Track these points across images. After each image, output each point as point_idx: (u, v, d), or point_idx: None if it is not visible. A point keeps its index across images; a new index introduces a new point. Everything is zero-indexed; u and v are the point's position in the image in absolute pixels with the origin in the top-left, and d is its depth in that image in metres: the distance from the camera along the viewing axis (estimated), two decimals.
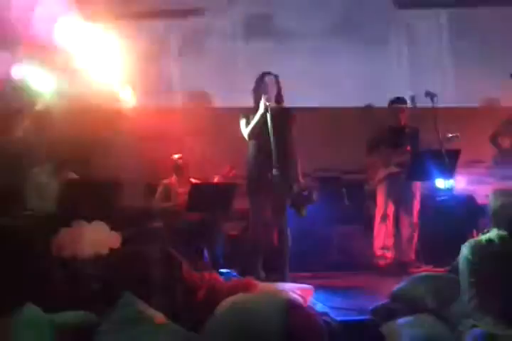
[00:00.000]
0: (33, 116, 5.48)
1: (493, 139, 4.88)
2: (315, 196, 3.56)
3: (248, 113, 3.68)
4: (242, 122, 3.69)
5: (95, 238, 3.08)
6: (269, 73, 3.71)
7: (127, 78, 5.57)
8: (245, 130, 3.65)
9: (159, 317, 2.52)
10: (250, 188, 3.65)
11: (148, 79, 5.66)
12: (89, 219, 3.18)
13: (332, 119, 5.35)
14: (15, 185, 4.04)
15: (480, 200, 4.73)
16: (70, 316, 2.52)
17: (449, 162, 4.04)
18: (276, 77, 3.69)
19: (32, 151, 4.94)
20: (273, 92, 3.62)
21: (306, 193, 3.55)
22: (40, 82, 5.13)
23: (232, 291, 2.80)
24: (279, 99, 3.67)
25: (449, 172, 4.12)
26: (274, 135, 3.37)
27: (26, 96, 5.20)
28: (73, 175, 4.17)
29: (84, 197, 3.28)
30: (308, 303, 2.94)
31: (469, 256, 2.37)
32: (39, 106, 5.45)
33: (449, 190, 4.36)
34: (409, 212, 4.40)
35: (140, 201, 5.04)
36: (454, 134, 4.27)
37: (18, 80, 4.99)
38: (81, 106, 5.18)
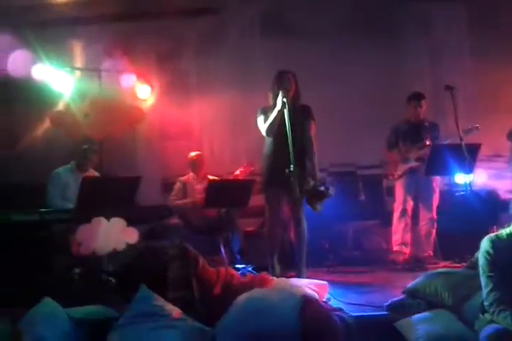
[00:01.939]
0: (55, 117, 5.59)
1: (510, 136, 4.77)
2: (331, 191, 3.55)
3: (266, 110, 3.69)
4: (260, 119, 3.70)
5: (113, 234, 3.12)
6: (286, 71, 3.71)
7: (145, 76, 5.64)
8: (263, 126, 3.66)
9: (176, 311, 2.56)
10: (267, 184, 3.66)
11: (165, 77, 5.73)
12: (108, 215, 3.22)
13: (349, 114, 5.31)
14: (39, 184, 4.12)
15: (501, 195, 4.66)
16: (88, 310, 2.58)
17: (468, 156, 3.98)
18: (293, 74, 3.69)
19: (55, 151, 5.05)
20: (290, 89, 3.62)
21: (322, 188, 3.54)
22: (60, 82, 5.20)
23: (248, 287, 2.82)
24: (296, 96, 3.67)
25: (468, 166, 4.05)
26: (291, 131, 3.38)
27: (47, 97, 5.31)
28: (95, 173, 4.23)
29: (102, 193, 3.32)
30: (324, 299, 2.95)
31: (489, 250, 2.33)
32: (60, 107, 5.56)
33: (469, 184, 4.28)
34: (428, 208, 4.35)
35: (157, 197, 5.11)
36: (474, 126, 4.21)
37: (38, 80, 5.09)
38: (100, 106, 5.25)
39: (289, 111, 3.43)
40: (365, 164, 5.14)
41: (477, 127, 4.20)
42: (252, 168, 4.50)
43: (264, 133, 3.66)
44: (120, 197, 3.41)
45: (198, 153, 4.73)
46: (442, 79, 5.22)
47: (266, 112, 3.66)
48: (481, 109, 5.19)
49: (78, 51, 5.74)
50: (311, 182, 3.56)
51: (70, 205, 3.62)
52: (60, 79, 5.16)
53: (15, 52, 4.86)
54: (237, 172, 4.52)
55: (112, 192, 3.37)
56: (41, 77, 5.07)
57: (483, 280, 2.33)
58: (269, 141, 3.68)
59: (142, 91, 5.66)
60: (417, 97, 4.47)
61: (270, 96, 3.70)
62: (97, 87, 5.33)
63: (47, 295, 2.55)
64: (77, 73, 5.41)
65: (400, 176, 4.43)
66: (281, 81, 3.62)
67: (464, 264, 2.96)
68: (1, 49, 4.76)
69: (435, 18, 5.67)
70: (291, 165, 3.31)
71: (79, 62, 5.68)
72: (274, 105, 3.56)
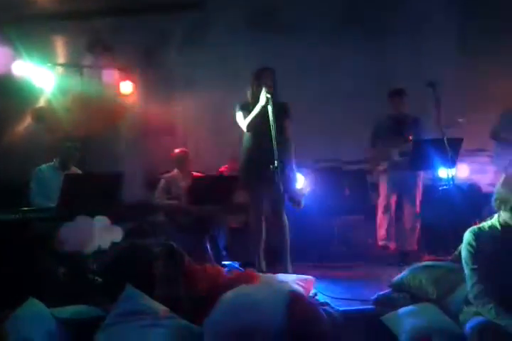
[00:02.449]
0: (36, 113, 5.51)
1: (494, 135, 4.83)
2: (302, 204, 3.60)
3: (245, 105, 3.69)
4: (239, 114, 3.70)
5: (97, 232, 3.10)
6: (266, 68, 3.71)
7: (128, 72, 5.59)
8: (243, 122, 3.66)
9: (162, 309, 2.55)
10: (249, 180, 3.67)
11: (149, 73, 5.67)
12: (92, 213, 3.19)
13: (333, 110, 5.33)
14: (20, 182, 4.06)
15: (483, 189, 4.73)
16: (74, 310, 2.55)
17: (451, 151, 4.02)
18: (272, 71, 3.69)
19: (36, 148, 4.97)
20: (271, 86, 3.61)
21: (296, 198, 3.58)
22: (41, 78, 5.12)
23: (234, 283, 2.82)
24: (274, 94, 3.66)
25: (451, 161, 4.10)
26: (275, 127, 3.38)
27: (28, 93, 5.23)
28: (78, 171, 4.18)
29: (85, 191, 3.28)
30: (310, 294, 2.96)
31: (472, 243, 2.36)
32: (41, 103, 5.48)
33: (452, 179, 4.33)
34: (412, 202, 4.40)
35: (141, 194, 5.07)
36: (457, 120, 4.25)
37: (19, 77, 5.01)
38: (82, 102, 5.19)
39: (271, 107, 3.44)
40: (350, 159, 5.17)
41: (461, 121, 4.25)
42: (237, 164, 4.48)
43: (244, 128, 3.67)
44: (103, 194, 3.38)
45: (183, 149, 4.70)
46: (427, 75, 5.26)
47: (245, 108, 3.66)
48: (464, 104, 5.25)
49: (60, 47, 5.66)
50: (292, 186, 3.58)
51: (53, 204, 3.58)
52: (41, 75, 5.09)
53: None
54: (222, 168, 4.51)
55: (94, 190, 3.33)
56: (22, 73, 5.00)
57: (467, 272, 2.36)
58: (247, 135, 3.69)
59: (125, 87, 5.60)
60: (397, 93, 4.50)
61: (249, 92, 3.71)
62: (79, 83, 5.27)
63: (31, 296, 2.52)
64: (59, 69, 5.34)
65: (384, 171, 4.47)
66: (262, 77, 3.62)
67: (448, 257, 2.99)
68: None
69: (420, 13, 5.70)
70: (275, 161, 3.31)
71: (60, 58, 5.61)
72: (255, 101, 3.57)
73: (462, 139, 4.17)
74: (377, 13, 5.62)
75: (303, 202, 3.55)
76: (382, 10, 5.63)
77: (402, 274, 2.88)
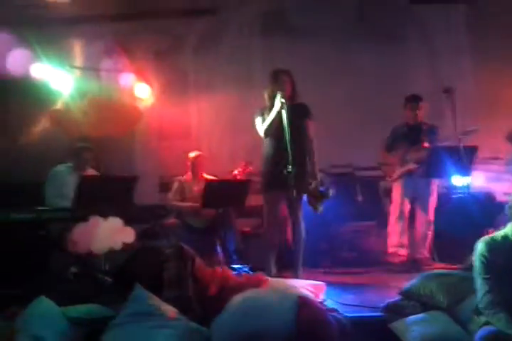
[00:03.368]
0: (53, 115, 5.60)
1: (511, 137, 4.77)
2: (331, 192, 3.56)
3: (263, 111, 3.69)
4: (258, 120, 3.70)
5: (110, 233, 3.13)
6: (281, 70, 3.70)
7: (144, 76, 5.64)
8: (261, 127, 3.66)
9: (171, 311, 2.56)
10: (266, 185, 3.67)
11: (164, 76, 5.73)
12: (105, 214, 3.23)
13: (346, 116, 5.32)
14: (36, 182, 4.12)
15: (498, 198, 4.66)
16: (84, 309, 2.58)
17: (465, 159, 3.99)
18: (288, 73, 3.68)
19: (53, 149, 5.05)
20: (287, 89, 3.62)
21: (322, 189, 3.54)
22: (59, 81, 5.20)
23: (244, 287, 2.82)
24: (292, 94, 3.66)
25: (465, 169, 4.06)
26: (289, 132, 3.37)
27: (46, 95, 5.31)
28: (93, 172, 4.23)
29: (100, 192, 3.33)
30: (320, 300, 2.95)
31: (484, 253, 2.34)
32: (58, 105, 5.56)
33: (466, 187, 4.28)
34: (425, 210, 4.35)
35: (155, 197, 5.11)
36: (473, 127, 4.21)
37: (37, 79, 5.09)
38: (99, 105, 5.26)
39: (287, 111, 3.43)
40: (363, 165, 5.14)
41: (476, 129, 4.21)
42: (250, 168, 4.50)
43: (262, 134, 3.66)
44: (117, 197, 3.42)
45: (198, 153, 4.71)
46: (441, 81, 5.23)
47: (263, 113, 3.66)
48: (480, 111, 5.20)
49: (77, 50, 5.75)
50: (313, 183, 3.56)
51: (67, 204, 3.63)
52: (58, 78, 5.16)
53: (14, 51, 4.86)
54: (235, 172, 4.52)
55: (109, 192, 3.38)
56: (40, 75, 5.07)
57: (478, 282, 2.34)
58: (267, 142, 3.68)
59: (141, 90, 5.66)
60: (414, 99, 4.48)
61: (266, 96, 3.70)
62: (96, 86, 5.33)
63: (43, 294, 2.55)
64: (76, 72, 5.41)
65: (398, 178, 4.44)
66: (277, 81, 3.62)
67: (460, 266, 2.96)
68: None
69: (435, 20, 5.67)
70: (289, 166, 3.31)
71: (78, 61, 5.69)
72: (271, 106, 3.56)
73: (477, 147, 4.14)
74: (393, 17, 5.61)
75: (321, 208, 3.53)
76: (398, 15, 5.61)
77: (413, 282, 2.86)
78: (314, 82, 5.12)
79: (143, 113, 5.69)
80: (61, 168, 4.16)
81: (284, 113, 3.41)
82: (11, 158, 5.38)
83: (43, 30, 5.40)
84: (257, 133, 3.73)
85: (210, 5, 5.72)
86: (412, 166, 4.37)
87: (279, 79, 3.64)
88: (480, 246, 2.38)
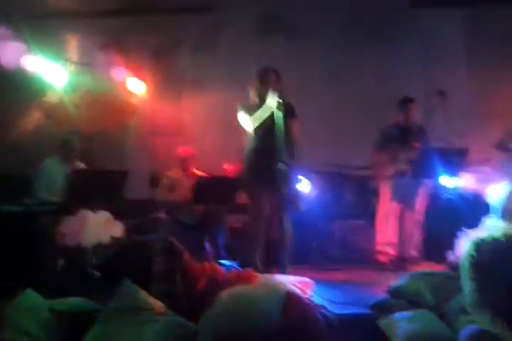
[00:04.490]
0: (45, 108, 5.56)
1: (500, 145, 4.80)
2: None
3: (248, 106, 3.69)
4: (243, 115, 3.69)
5: (98, 227, 3.12)
6: (269, 68, 3.72)
7: (139, 71, 5.63)
8: (248, 123, 3.65)
9: (159, 306, 2.55)
10: (251, 180, 3.67)
11: (160, 73, 5.72)
12: (94, 208, 3.22)
13: (338, 115, 5.34)
14: (26, 175, 4.10)
15: (486, 199, 4.69)
16: (71, 303, 2.56)
17: (456, 160, 4.01)
18: (276, 72, 3.70)
19: (44, 142, 5.02)
20: (275, 87, 3.62)
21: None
22: (52, 74, 5.16)
23: (232, 282, 2.82)
24: (281, 94, 3.67)
25: (455, 170, 4.09)
26: (281, 130, 3.38)
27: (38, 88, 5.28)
28: (82, 166, 4.21)
29: (89, 186, 3.32)
30: (307, 296, 2.95)
31: (473, 253, 2.34)
32: (51, 98, 5.53)
33: (456, 188, 4.32)
34: (414, 209, 4.39)
35: (145, 192, 5.10)
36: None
37: (30, 71, 5.06)
38: (92, 99, 5.23)
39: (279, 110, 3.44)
40: (353, 165, 5.16)
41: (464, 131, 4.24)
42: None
43: (250, 129, 3.66)
44: (107, 191, 3.41)
45: (187, 148, 4.72)
46: (436, 84, 5.26)
47: (250, 109, 3.66)
48: (473, 113, 5.25)
49: (72, 44, 5.72)
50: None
51: (55, 197, 3.62)
52: (52, 71, 5.13)
53: (6, 42, 4.82)
54: (228, 167, 4.52)
55: (99, 185, 3.38)
56: (33, 68, 5.04)
57: (465, 281, 2.35)
58: (251, 137, 3.68)
59: (135, 86, 5.64)
60: (407, 101, 4.51)
61: (252, 92, 3.71)
62: (90, 81, 5.31)
63: (30, 287, 2.53)
64: (70, 66, 5.38)
65: (388, 178, 4.46)
66: (266, 79, 3.63)
67: (447, 265, 2.99)
68: None
69: (433, 24, 5.70)
70: (280, 163, 3.32)
71: (72, 55, 5.66)
72: (260, 102, 3.58)
73: (467, 149, 4.17)
74: (391, 20, 5.63)
75: (301, 205, 3.56)
76: (397, 17, 5.64)
77: (400, 280, 2.87)
78: (309, 82, 5.14)
79: (137, 108, 5.67)
80: (51, 161, 4.14)
81: (278, 112, 3.42)
82: (2, 150, 5.35)
83: (38, 23, 5.37)
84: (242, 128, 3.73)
85: (207, 4, 5.71)
86: (403, 167, 4.40)
87: (268, 76, 3.65)
88: (468, 246, 2.39)
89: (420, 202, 4.41)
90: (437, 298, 2.67)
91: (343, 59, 5.48)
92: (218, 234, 4.24)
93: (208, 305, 2.62)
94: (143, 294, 2.59)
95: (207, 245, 4.13)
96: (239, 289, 2.71)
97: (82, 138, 4.43)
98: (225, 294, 2.68)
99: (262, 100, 3.59)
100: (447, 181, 4.65)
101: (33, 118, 5.61)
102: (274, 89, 3.53)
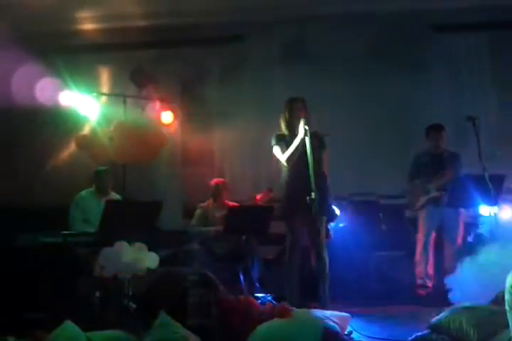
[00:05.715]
0: (80, 140, 5.72)
1: None
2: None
3: (281, 138, 3.71)
4: (276, 148, 3.70)
5: (134, 258, 3.13)
6: (296, 98, 3.75)
7: (169, 102, 5.75)
8: (282, 155, 3.67)
9: (194, 339, 2.54)
10: (287, 212, 3.65)
11: (188, 103, 5.83)
12: (130, 239, 3.24)
13: (369, 144, 5.32)
14: (63, 207, 4.18)
15: None
16: (108, 335, 2.56)
17: (492, 188, 3.92)
18: (303, 101, 3.73)
19: (80, 174, 5.13)
20: (302, 116, 3.62)
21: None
22: (86, 107, 5.31)
23: (268, 317, 2.78)
24: (308, 123, 3.68)
25: (492, 198, 3.99)
26: (312, 158, 3.39)
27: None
28: (117, 197, 4.28)
29: (125, 217, 3.34)
30: (345, 332, 2.89)
31: None
32: (85, 130, 5.68)
33: (494, 217, 4.20)
34: (453, 241, 4.27)
35: (178, 223, 5.12)
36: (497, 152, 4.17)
37: (65, 106, 5.22)
38: (125, 131, 5.35)
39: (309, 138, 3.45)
40: (386, 193, 5.10)
41: (497, 154, 4.16)
42: (272, 195, 4.50)
43: (284, 162, 3.67)
44: (142, 221, 3.43)
45: (220, 179, 4.75)
46: (464, 109, 5.21)
47: (281, 140, 3.68)
48: (504, 139, 5.16)
49: (104, 77, 5.91)
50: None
51: (91, 228, 3.66)
52: (86, 104, 5.28)
53: (42, 79, 5.00)
54: (258, 196, 4.53)
55: (134, 216, 3.40)
56: (68, 103, 5.19)
57: (509, 316, 2.26)
58: (288, 168, 3.68)
59: (165, 117, 5.75)
60: (436, 129, 4.49)
61: (282, 123, 3.73)
62: (122, 112, 5.43)
63: (68, 318, 2.55)
64: (103, 98, 5.54)
65: (422, 207, 4.39)
66: (294, 108, 3.66)
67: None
68: (29, 76, 4.91)
69: (458, 48, 5.69)
70: (312, 193, 3.30)
71: (105, 87, 5.84)
72: (290, 133, 3.61)
73: (504, 176, 4.07)
74: (415, 46, 5.65)
75: (331, 234, 3.53)
76: (420, 43, 5.66)
77: (441, 315, 2.78)
78: (336, 111, 5.16)
79: (167, 139, 5.77)
80: (86, 192, 4.22)
81: (307, 140, 3.44)
82: (39, 182, 5.49)
83: (71, 57, 5.59)
84: (276, 159, 3.74)
85: (233, 33, 5.85)
86: (435, 194, 4.32)
87: (295, 106, 3.68)
88: (510, 278, 2.31)
89: (458, 232, 4.29)
90: (481, 333, 2.56)
91: (370, 85, 5.49)
92: (252, 266, 4.19)
93: (244, 340, 2.59)
94: (179, 327, 2.58)
95: (241, 277, 4.09)
96: (275, 324, 2.68)
97: (116, 169, 4.51)
98: (260, 329, 2.65)
99: (292, 131, 3.61)
100: (485, 210, 4.53)
101: (68, 151, 5.76)
102: (303, 119, 3.54)
